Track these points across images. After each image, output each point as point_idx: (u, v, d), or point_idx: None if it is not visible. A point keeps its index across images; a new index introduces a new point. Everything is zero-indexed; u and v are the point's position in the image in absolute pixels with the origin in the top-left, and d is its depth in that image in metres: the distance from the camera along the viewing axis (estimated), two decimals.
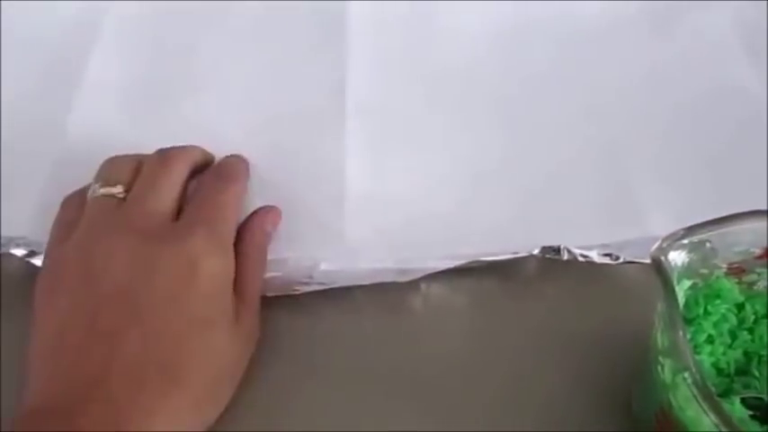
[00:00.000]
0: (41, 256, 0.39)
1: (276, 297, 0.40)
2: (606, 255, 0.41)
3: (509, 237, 0.41)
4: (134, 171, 0.39)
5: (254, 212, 0.40)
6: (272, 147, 0.45)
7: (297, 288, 0.40)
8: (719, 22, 0.50)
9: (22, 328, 0.36)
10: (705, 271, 0.33)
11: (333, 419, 0.37)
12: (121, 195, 0.38)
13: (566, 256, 0.41)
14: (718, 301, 0.34)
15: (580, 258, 0.41)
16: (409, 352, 0.39)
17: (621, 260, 0.41)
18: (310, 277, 0.41)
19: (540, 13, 0.51)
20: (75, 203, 0.39)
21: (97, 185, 0.38)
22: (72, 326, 0.33)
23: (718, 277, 0.34)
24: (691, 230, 0.31)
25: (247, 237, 0.39)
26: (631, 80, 0.48)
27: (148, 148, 0.42)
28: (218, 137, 0.44)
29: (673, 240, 0.30)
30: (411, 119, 0.47)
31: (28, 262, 0.41)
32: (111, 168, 0.39)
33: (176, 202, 0.38)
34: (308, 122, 0.46)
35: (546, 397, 0.38)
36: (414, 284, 0.41)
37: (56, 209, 0.40)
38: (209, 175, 0.40)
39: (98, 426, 0.31)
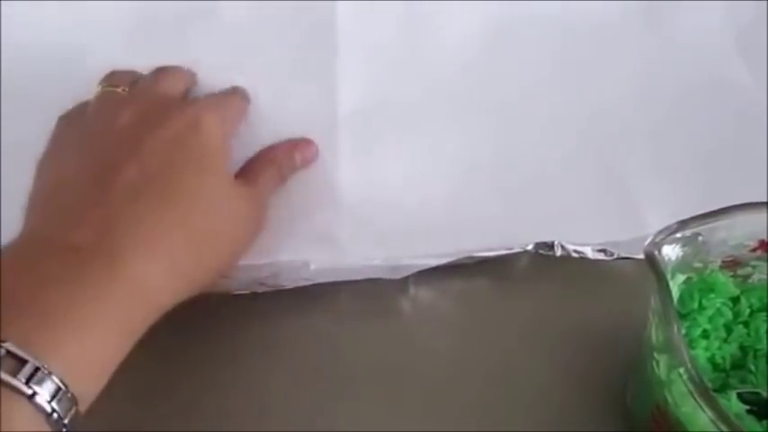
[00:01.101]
0: None
1: (265, 297, 0.40)
2: (600, 250, 0.41)
3: (502, 234, 0.41)
4: (134, 81, 0.41)
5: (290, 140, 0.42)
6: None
7: (285, 284, 0.40)
8: (712, 19, 0.50)
9: None
10: (699, 265, 0.33)
11: (324, 420, 0.37)
12: (125, 93, 0.40)
13: (559, 252, 0.41)
14: (712, 295, 0.34)
15: (574, 254, 0.41)
16: (400, 353, 0.39)
17: (615, 256, 0.41)
18: (300, 274, 0.41)
19: (533, 11, 0.50)
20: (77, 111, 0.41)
21: (99, 87, 0.40)
22: (74, 170, 0.35)
23: (712, 271, 0.33)
24: (684, 224, 0.30)
25: (269, 150, 0.41)
26: (625, 77, 0.48)
27: None
28: None
29: (666, 234, 0.30)
30: (403, 119, 0.46)
31: None
32: (111, 77, 0.41)
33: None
34: (300, 126, 0.46)
35: (540, 395, 0.37)
36: (403, 286, 0.41)
37: None
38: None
39: (88, 240, 0.32)
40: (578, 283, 0.41)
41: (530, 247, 0.41)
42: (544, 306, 0.40)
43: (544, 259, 0.41)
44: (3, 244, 0.40)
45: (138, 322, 0.32)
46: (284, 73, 0.48)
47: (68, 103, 0.45)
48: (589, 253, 0.41)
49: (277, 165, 0.41)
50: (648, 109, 0.46)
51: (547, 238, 0.41)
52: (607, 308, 0.40)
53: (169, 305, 0.34)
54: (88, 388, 0.30)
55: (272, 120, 0.46)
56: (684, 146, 0.45)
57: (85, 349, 0.30)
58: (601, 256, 0.41)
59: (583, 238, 0.41)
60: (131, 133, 0.36)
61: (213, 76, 0.47)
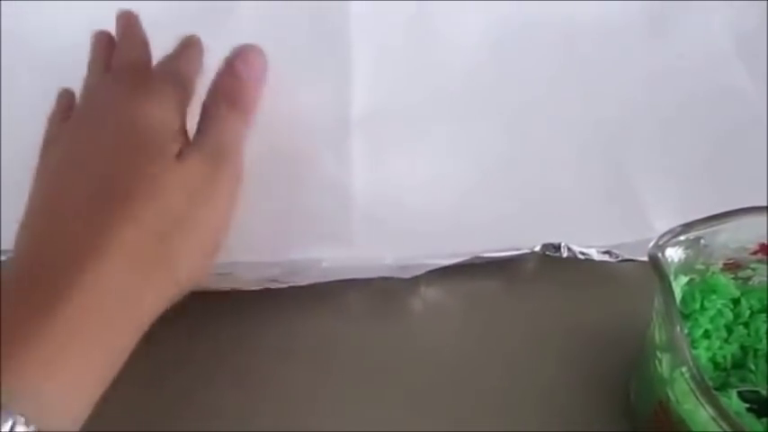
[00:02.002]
0: None
1: (274, 295, 0.40)
2: (605, 252, 0.41)
3: (510, 235, 0.42)
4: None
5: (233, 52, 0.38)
6: (277, 152, 0.45)
7: (298, 281, 0.41)
8: (716, 25, 0.50)
9: None
10: (701, 267, 0.33)
11: (331, 418, 0.37)
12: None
13: (565, 254, 0.41)
14: (714, 297, 0.34)
15: (579, 256, 0.41)
16: (408, 352, 0.39)
17: (620, 258, 0.41)
18: (312, 272, 0.41)
19: (540, 17, 0.51)
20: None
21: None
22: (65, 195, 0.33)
23: (714, 273, 0.34)
24: (687, 227, 0.31)
25: (212, 86, 0.37)
26: (630, 81, 0.48)
27: None
28: None
29: (670, 237, 0.31)
30: (414, 121, 0.47)
31: None
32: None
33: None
34: (313, 127, 0.46)
35: (545, 393, 0.38)
36: (413, 285, 0.41)
37: None
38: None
39: (53, 247, 0.31)
40: (584, 284, 0.41)
41: (537, 249, 0.41)
42: (550, 306, 0.41)
43: (551, 260, 0.41)
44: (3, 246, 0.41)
45: (118, 332, 0.30)
46: (297, 74, 0.48)
47: None
48: (594, 255, 0.41)
49: (226, 97, 0.37)
50: (654, 113, 0.47)
51: (554, 240, 0.41)
52: (611, 308, 0.40)
53: (156, 307, 0.32)
54: (73, 413, 0.28)
55: (284, 120, 0.46)
56: (689, 149, 0.45)
57: (68, 374, 0.28)
58: (606, 258, 0.41)
59: (589, 240, 0.42)
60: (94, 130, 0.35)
61: None
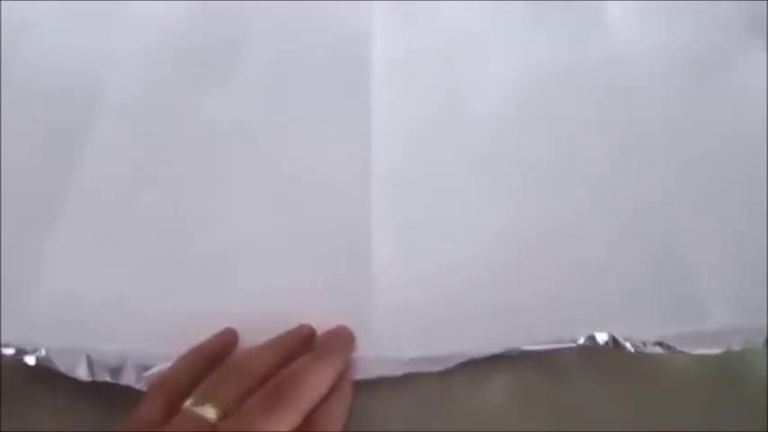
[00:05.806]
0: (33, 355, 0.38)
1: None
2: (658, 344, 0.38)
3: (548, 322, 0.39)
4: (240, 394, 0.34)
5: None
6: (294, 225, 0.43)
7: None
8: (761, 81, 0.48)
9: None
10: None
11: None
12: (213, 420, 0.33)
13: (611, 346, 0.38)
14: None
15: (629, 348, 0.38)
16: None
17: (676, 350, 0.37)
18: None
19: (568, 75, 0.49)
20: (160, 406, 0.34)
21: (192, 400, 0.34)
22: None
23: None
24: None
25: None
26: (679, 138, 0.45)
27: (154, 218, 0.43)
28: (231, 214, 0.44)
29: None
30: (439, 189, 0.45)
31: (21, 360, 0.39)
32: (218, 383, 0.35)
33: None
34: (332, 196, 0.44)
35: None
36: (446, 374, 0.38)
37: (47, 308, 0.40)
38: None
39: None
40: (633, 379, 0.38)
41: (581, 341, 0.38)
42: (593, 402, 0.38)
43: (595, 350, 0.38)
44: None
45: None
46: (314, 135, 0.47)
47: (70, 170, 0.45)
48: (645, 347, 0.38)
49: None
50: (707, 176, 0.44)
51: (598, 329, 0.38)
52: (664, 407, 0.37)
53: None
54: None
55: (301, 190, 0.45)
56: (751, 217, 0.42)
57: None
58: (658, 350, 0.38)
59: (638, 332, 0.38)
60: None
61: (235, 138, 0.47)
